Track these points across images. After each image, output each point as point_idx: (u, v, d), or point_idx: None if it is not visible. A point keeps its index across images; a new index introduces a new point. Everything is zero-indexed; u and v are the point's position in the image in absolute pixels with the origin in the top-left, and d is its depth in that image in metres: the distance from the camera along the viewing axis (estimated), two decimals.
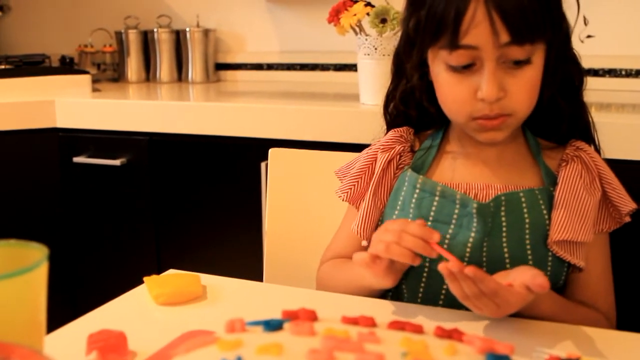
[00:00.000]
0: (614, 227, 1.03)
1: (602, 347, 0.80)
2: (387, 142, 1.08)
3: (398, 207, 1.04)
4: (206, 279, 1.01)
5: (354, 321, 0.70)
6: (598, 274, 1.02)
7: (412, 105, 1.08)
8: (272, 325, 0.67)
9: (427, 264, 1.00)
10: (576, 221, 0.97)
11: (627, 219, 1.03)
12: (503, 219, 0.97)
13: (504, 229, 0.97)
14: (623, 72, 2.06)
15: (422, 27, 0.97)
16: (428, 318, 0.87)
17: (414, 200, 1.02)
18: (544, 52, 0.96)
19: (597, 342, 0.82)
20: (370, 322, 0.70)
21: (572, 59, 1.04)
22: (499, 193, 0.98)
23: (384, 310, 0.91)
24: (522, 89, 0.94)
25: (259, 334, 0.66)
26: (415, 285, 1.01)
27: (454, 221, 0.99)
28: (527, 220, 0.98)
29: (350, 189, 1.08)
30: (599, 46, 2.07)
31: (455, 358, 0.64)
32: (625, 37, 2.05)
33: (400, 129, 1.09)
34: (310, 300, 0.94)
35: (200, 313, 0.91)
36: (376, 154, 1.08)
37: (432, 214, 1.00)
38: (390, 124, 1.12)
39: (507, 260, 0.97)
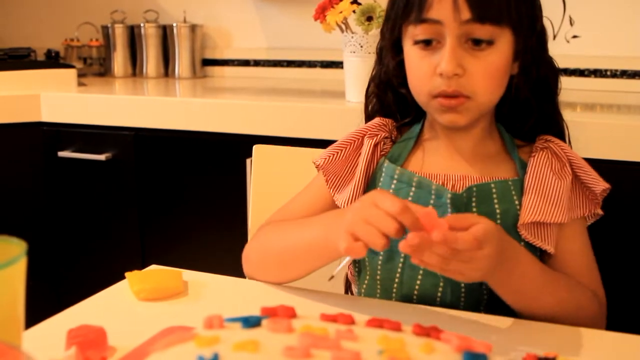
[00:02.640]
0: (592, 209, 1.03)
1: (579, 346, 0.81)
2: (373, 128, 1.09)
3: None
4: (188, 274, 1.01)
5: (332, 318, 0.70)
6: (578, 254, 1.02)
7: (388, 89, 1.09)
8: (251, 322, 0.67)
9: (400, 264, 1.00)
10: (545, 204, 0.98)
11: (601, 198, 1.03)
12: (474, 209, 0.98)
13: None
14: (608, 73, 2.07)
15: (395, 4, 1.02)
16: (407, 316, 0.87)
17: (391, 191, 1.02)
18: (512, 42, 0.98)
19: (574, 341, 0.82)
20: (349, 320, 0.71)
21: (548, 63, 1.06)
22: (471, 184, 1.00)
23: (363, 307, 0.91)
24: (482, 71, 0.96)
25: (237, 331, 0.66)
26: (389, 284, 1.02)
27: None
28: (497, 211, 0.99)
29: (329, 156, 1.08)
30: (585, 46, 2.09)
31: (432, 356, 0.64)
32: (611, 37, 2.07)
33: (385, 119, 1.10)
34: (289, 298, 0.94)
35: (181, 309, 0.91)
36: (362, 134, 1.08)
37: None
38: (369, 111, 1.14)
39: None
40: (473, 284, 0.99)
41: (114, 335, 0.79)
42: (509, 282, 0.90)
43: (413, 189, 1.01)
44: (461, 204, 0.98)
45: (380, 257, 1.03)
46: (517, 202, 1.00)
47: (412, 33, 0.98)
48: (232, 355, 0.59)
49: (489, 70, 0.96)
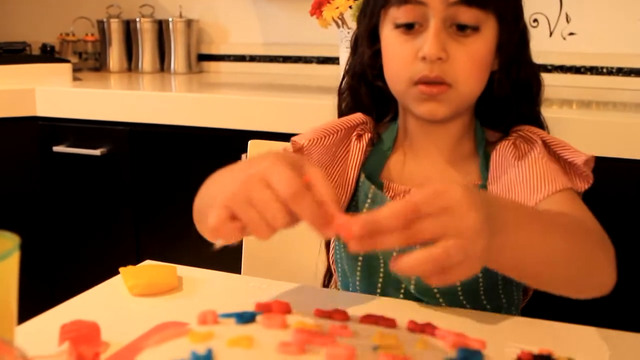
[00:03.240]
0: (584, 184, 0.95)
1: (574, 343, 0.81)
2: (359, 126, 1.04)
3: (351, 212, 0.98)
4: (182, 270, 1.01)
5: (327, 314, 0.70)
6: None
7: (362, 82, 1.05)
8: (245, 318, 0.66)
9: (381, 269, 0.99)
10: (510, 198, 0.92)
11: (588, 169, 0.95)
12: None
13: None
14: (604, 70, 2.07)
15: None
16: (402, 312, 0.87)
17: (365, 210, 1.00)
18: (496, 31, 0.95)
19: (569, 338, 0.82)
20: (344, 316, 0.70)
21: (530, 65, 1.02)
22: None
23: (359, 303, 0.91)
24: (466, 58, 0.92)
25: (231, 326, 0.65)
26: (371, 291, 1.01)
27: None
28: None
29: (313, 139, 1.01)
30: (581, 43, 2.09)
31: (426, 352, 0.64)
32: (607, 34, 2.07)
33: (367, 117, 1.06)
34: (284, 293, 0.94)
35: (175, 304, 0.91)
36: (346, 126, 1.03)
37: None
38: (342, 109, 1.09)
39: None
40: (453, 299, 0.96)
41: (107, 331, 0.79)
42: (508, 242, 0.69)
43: None
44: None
45: (358, 272, 1.01)
46: None
47: (393, 16, 0.94)
48: (226, 351, 0.59)
49: (473, 58, 0.93)
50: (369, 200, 0.99)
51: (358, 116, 1.05)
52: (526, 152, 0.96)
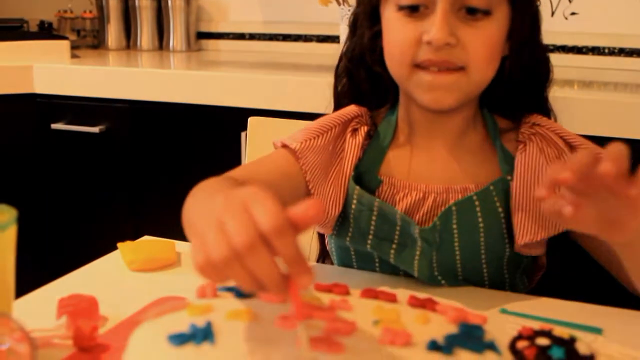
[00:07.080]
0: None
1: (574, 320, 0.80)
2: (353, 120, 0.97)
3: (342, 215, 0.96)
4: (181, 245, 1.00)
5: (327, 288, 0.70)
6: None
7: (361, 66, 0.97)
8: (244, 291, 0.66)
9: (376, 260, 0.97)
10: (538, 218, 0.88)
11: None
12: (454, 226, 0.89)
13: (456, 237, 0.90)
14: (606, 50, 2.06)
15: None
16: (403, 288, 0.87)
17: (352, 212, 0.94)
18: (508, 16, 0.88)
19: (569, 315, 0.82)
20: (344, 290, 0.70)
21: (541, 51, 0.95)
22: (451, 203, 0.89)
23: (359, 278, 0.91)
24: (479, 41, 0.85)
25: (229, 300, 0.65)
26: None
27: (396, 239, 0.92)
28: (481, 226, 0.90)
29: (306, 141, 0.94)
30: (583, 23, 2.07)
31: (427, 327, 0.63)
32: (609, 14, 2.05)
33: (361, 108, 0.98)
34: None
35: (174, 280, 0.91)
36: (338, 122, 0.96)
37: (371, 229, 0.93)
38: (338, 92, 1.03)
39: (459, 265, 0.91)
40: None
41: (105, 305, 0.78)
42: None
43: (375, 213, 0.92)
44: (434, 234, 0.89)
45: (354, 262, 1.00)
46: (500, 210, 0.90)
47: None
48: (224, 324, 0.59)
49: (486, 42, 0.85)
50: (354, 201, 0.94)
51: (352, 109, 0.98)
52: (554, 159, 0.90)
